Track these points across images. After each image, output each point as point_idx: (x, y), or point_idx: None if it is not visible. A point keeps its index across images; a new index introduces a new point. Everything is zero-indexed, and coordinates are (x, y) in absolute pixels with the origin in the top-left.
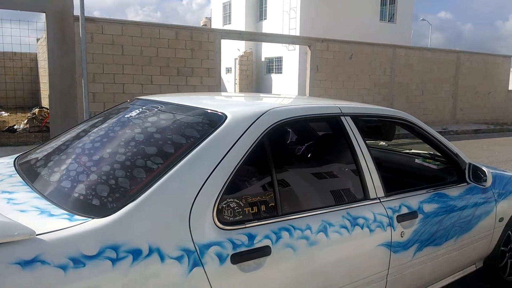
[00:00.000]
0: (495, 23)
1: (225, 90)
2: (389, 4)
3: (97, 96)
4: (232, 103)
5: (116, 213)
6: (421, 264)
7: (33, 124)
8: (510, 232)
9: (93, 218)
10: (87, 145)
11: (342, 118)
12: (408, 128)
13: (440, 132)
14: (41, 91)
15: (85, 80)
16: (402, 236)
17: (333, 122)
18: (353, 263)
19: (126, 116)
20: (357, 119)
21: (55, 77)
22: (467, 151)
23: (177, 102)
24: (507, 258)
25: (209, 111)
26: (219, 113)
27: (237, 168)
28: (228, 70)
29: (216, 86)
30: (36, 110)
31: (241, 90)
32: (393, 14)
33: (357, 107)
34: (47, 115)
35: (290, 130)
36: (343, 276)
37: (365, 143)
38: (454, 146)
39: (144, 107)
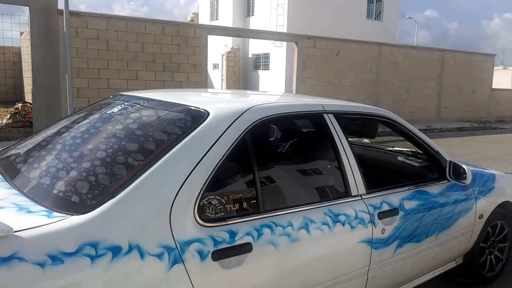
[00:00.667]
0: (481, 22)
1: (212, 86)
2: (376, 2)
3: (82, 91)
4: (215, 99)
5: (96, 210)
6: (401, 260)
7: (16, 119)
8: (489, 229)
9: (72, 215)
10: (68, 141)
11: (325, 115)
12: (390, 126)
13: (424, 130)
14: (24, 86)
15: (69, 75)
16: (383, 233)
17: (315, 119)
18: (334, 259)
19: (108, 112)
20: (340, 116)
21: (38, 71)
22: (451, 148)
23: (159, 99)
24: (487, 254)
25: (191, 107)
26: (202, 110)
27: (219, 165)
28: (215, 66)
29: (203, 82)
30: (19, 105)
31: (228, 86)
32: (380, 12)
33: (340, 105)
34: (30, 110)
35: (275, 127)
36: (324, 272)
37: (348, 141)
38: (435, 144)
39: (126, 103)
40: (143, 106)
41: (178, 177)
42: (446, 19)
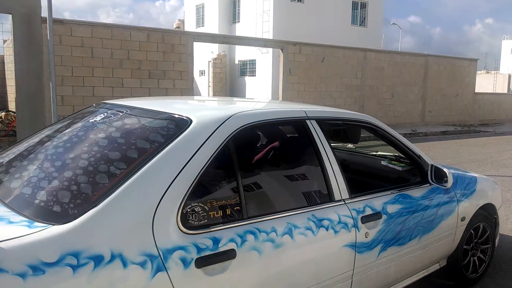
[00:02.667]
0: (463, 27)
1: (199, 93)
2: (360, 8)
3: (66, 99)
4: (198, 107)
5: (77, 219)
6: (385, 264)
7: None
8: (472, 231)
9: (53, 225)
10: (50, 151)
11: (308, 121)
12: (372, 131)
13: (410, 134)
14: (8, 94)
15: (53, 83)
16: (366, 237)
17: (299, 125)
18: (318, 264)
19: (90, 120)
20: (322, 122)
21: (22, 80)
22: (436, 152)
23: (142, 107)
24: (470, 256)
25: (174, 115)
26: (184, 118)
27: (202, 172)
28: (202, 73)
29: (189, 89)
30: (3, 113)
31: (214, 93)
32: (364, 18)
33: (322, 111)
34: (14, 119)
35: (259, 133)
36: (309, 277)
37: (330, 146)
38: (417, 148)
39: (109, 112)
40: (126, 114)
41: (160, 185)
42: (429, 25)
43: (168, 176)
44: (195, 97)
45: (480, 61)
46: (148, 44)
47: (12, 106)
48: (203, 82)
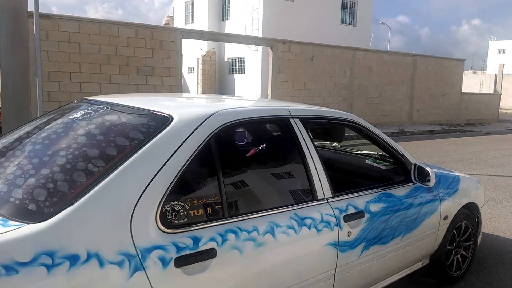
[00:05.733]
0: (450, 28)
1: (188, 90)
2: (350, 8)
3: (53, 95)
4: (181, 104)
5: (53, 218)
6: (368, 262)
7: None
8: (455, 231)
9: (28, 224)
10: (27, 148)
11: (291, 120)
12: (356, 130)
13: (397, 133)
14: None
15: (39, 79)
16: (349, 236)
17: (282, 124)
18: (300, 263)
19: (70, 117)
20: (306, 121)
21: (8, 75)
22: (422, 151)
23: (124, 103)
24: (453, 255)
25: (155, 112)
26: (165, 115)
27: (182, 170)
28: (191, 70)
29: (178, 86)
30: None
31: (203, 90)
32: (354, 17)
33: (306, 109)
34: None
35: (244, 131)
36: (291, 276)
37: (314, 145)
38: (400, 147)
39: (89, 108)
40: (107, 111)
41: (139, 184)
42: (418, 25)
43: (147, 174)
44: (180, 94)
45: (467, 61)
46: (137, 40)
47: None
48: (192, 79)
